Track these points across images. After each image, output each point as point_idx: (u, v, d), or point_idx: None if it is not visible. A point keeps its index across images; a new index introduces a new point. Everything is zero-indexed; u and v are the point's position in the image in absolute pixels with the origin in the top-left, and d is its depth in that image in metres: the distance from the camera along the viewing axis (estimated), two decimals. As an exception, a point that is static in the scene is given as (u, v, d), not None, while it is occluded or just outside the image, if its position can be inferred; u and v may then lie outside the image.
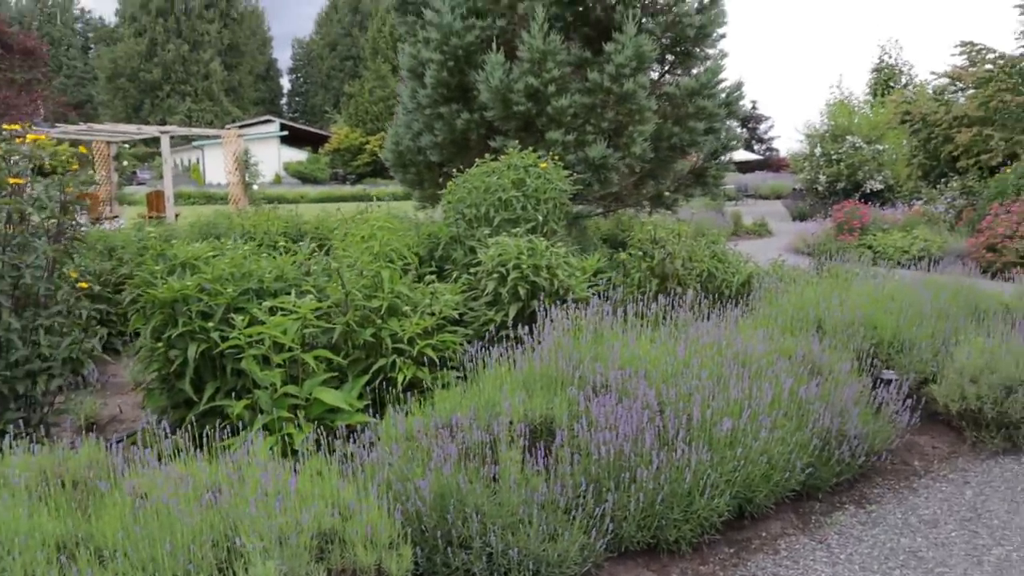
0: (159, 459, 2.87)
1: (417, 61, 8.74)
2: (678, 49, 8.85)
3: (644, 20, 8.17)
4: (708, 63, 8.71)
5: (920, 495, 3.80)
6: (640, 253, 6.02)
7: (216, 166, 42.22)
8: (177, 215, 16.51)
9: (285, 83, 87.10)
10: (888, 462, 4.11)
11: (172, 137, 17.64)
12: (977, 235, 11.98)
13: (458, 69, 8.24)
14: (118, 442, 4.34)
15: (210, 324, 3.86)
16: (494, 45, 7.91)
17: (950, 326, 5.23)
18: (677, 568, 3.12)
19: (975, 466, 4.15)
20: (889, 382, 4.40)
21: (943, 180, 17.26)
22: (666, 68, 9.24)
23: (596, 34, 8.26)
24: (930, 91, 20.20)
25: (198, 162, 50.84)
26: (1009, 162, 15.03)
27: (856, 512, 3.63)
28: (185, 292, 3.94)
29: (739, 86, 8.89)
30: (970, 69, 17.16)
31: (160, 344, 3.98)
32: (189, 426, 3.79)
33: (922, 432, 4.54)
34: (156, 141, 19.70)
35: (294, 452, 3.50)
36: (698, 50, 8.78)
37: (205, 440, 3.44)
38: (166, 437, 2.98)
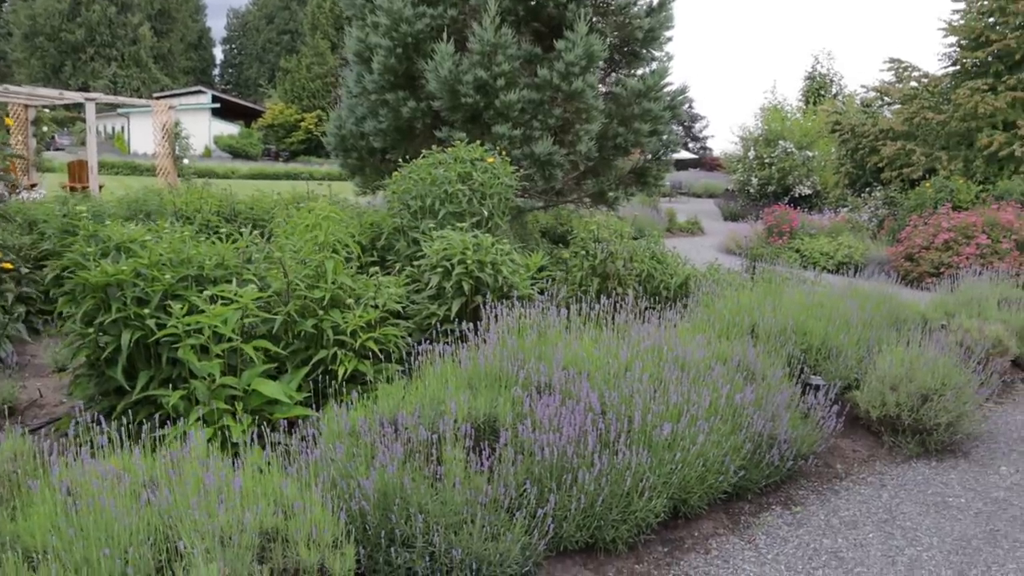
0: (91, 453, 2.78)
1: (364, 45, 8.59)
2: (626, 49, 8.97)
3: (595, 20, 8.25)
4: (655, 65, 8.85)
5: (841, 497, 4.00)
6: (583, 252, 6.10)
7: (142, 135, 40.55)
8: (101, 186, 15.78)
9: (218, 53, 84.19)
10: (813, 465, 4.30)
11: (97, 104, 16.80)
12: (897, 244, 12.58)
13: (406, 56, 8.15)
14: (38, 428, 4.18)
15: (146, 311, 3.74)
16: (444, 35, 7.85)
17: (874, 335, 5.50)
18: (613, 567, 3.20)
19: (891, 470, 4.40)
20: (818, 388, 4.61)
21: (868, 189, 18.03)
22: (612, 68, 9.34)
23: (547, 30, 8.29)
24: (858, 103, 21.08)
25: (123, 130, 48.72)
26: (928, 176, 15.82)
27: (783, 513, 3.79)
28: (120, 277, 3.79)
29: (683, 90, 9.07)
30: (896, 85, 17.97)
31: (91, 330, 3.83)
32: (121, 416, 3.67)
33: (844, 436, 4.77)
34: (78, 105, 18.77)
35: (233, 445, 3.44)
36: (646, 52, 8.92)
37: (138, 432, 3.34)
38: (96, 426, 2.88)
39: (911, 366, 4.74)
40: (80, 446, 2.79)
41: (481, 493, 2.96)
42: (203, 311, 3.63)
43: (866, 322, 5.69)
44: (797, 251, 13.80)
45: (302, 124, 49.34)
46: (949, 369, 4.73)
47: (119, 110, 47.07)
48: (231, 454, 3.27)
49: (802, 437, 4.18)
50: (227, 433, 3.49)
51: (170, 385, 3.72)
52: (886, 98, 19.03)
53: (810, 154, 23.83)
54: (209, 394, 3.60)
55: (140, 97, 51.27)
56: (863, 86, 28.18)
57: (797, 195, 23.70)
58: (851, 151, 18.37)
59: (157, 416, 3.61)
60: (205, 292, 3.78)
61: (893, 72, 17.82)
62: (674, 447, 3.52)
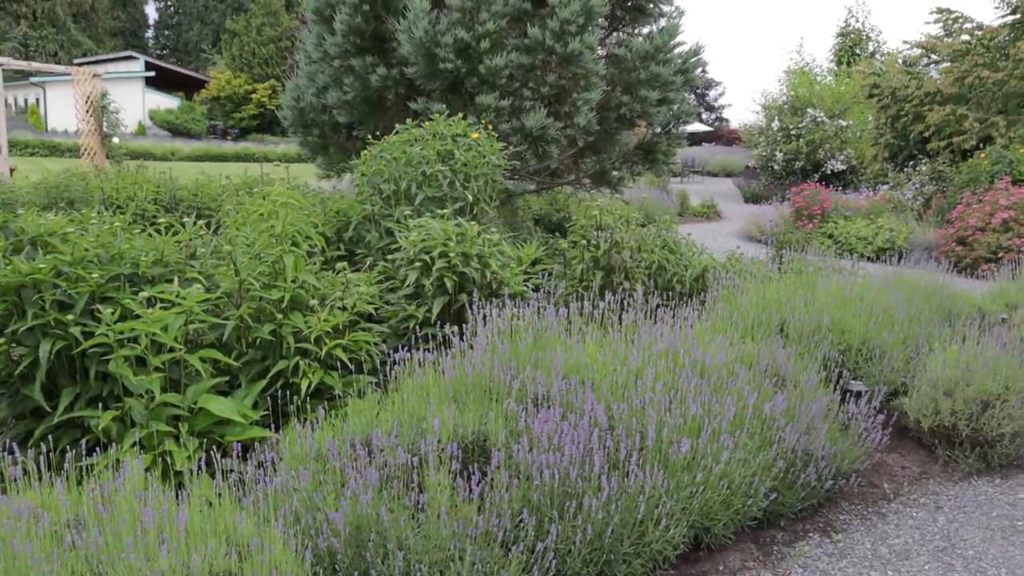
0: (2, 488, 2.74)
1: (325, 2, 8.56)
2: (630, 4, 8.97)
3: (593, -32, 8.22)
4: (663, 22, 8.85)
5: (890, 522, 4.01)
6: (583, 241, 6.09)
7: (62, 110, 40.19)
8: (12, 169, 15.63)
9: (151, 12, 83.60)
10: (856, 485, 4.31)
11: (5, 70, 16.64)
12: (947, 226, 12.66)
13: (374, 15, 8.11)
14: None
15: (69, 317, 3.69)
16: (418, -12, 7.82)
17: (923, 332, 5.52)
18: (627, 609, 3.19)
19: (948, 489, 4.41)
20: (859, 395, 4.62)
21: (911, 163, 18.12)
22: (614, 26, 9.34)
23: (538, -19, 8.27)
24: (900, 62, 21.15)
25: (38, 103, 48.31)
26: (983, 145, 15.88)
27: (822, 542, 3.80)
28: (37, 277, 3.75)
29: (697, 51, 9.08)
30: (945, 40, 18.01)
31: (2, 340, 3.78)
32: (40, 443, 3.62)
33: (891, 450, 4.78)
34: (-16, 76, 18.54)
35: (176, 474, 3.40)
36: (652, 6, 8.92)
37: (60, 461, 3.30)
38: (8, 456, 2.84)
39: (968, 367, 4.75)
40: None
41: (471, 525, 2.94)
42: (139, 316, 3.59)
43: (913, 317, 5.71)
44: (830, 236, 13.86)
45: (253, 96, 49.06)
46: (1013, 370, 4.74)
47: (33, 79, 46.61)
48: (175, 485, 3.24)
49: (842, 452, 4.19)
50: (169, 460, 3.46)
51: (100, 405, 3.68)
52: (932, 55, 19.09)
53: (844, 123, 23.93)
54: (147, 414, 3.57)
55: (58, 63, 50.78)
56: (905, 42, 28.28)
57: (829, 171, 23.80)
58: (892, 118, 18.43)
59: (84, 442, 3.57)
60: (141, 294, 3.74)
61: (941, 24, 17.85)
62: (694, 467, 3.51)
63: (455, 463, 3.17)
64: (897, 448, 4.84)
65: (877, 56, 30.79)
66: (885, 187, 18.27)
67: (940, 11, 17.79)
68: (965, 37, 17.17)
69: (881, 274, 7.01)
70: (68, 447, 3.58)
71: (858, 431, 4.34)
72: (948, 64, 17.60)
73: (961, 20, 17.48)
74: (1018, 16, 16.04)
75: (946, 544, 3.79)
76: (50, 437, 3.66)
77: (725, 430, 3.67)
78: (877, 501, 4.24)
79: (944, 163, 16.57)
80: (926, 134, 17.27)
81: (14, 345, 3.76)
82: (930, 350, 5.22)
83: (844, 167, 23.85)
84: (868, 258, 12.45)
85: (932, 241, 12.62)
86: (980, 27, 17.00)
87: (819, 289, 6.01)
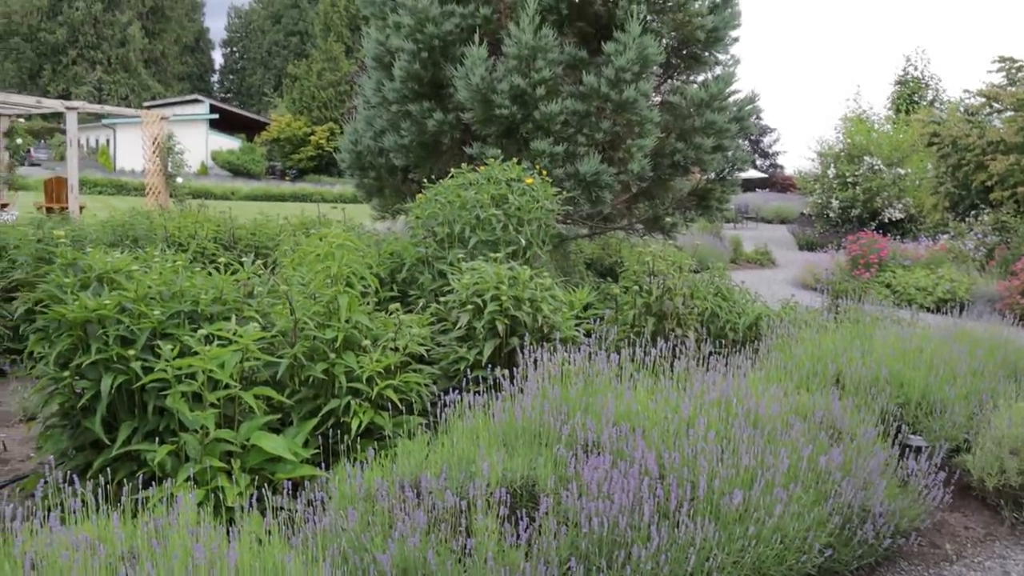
0: (62, 519, 2.79)
1: (384, 49, 8.77)
2: (685, 52, 9.01)
3: (649, 18, 8.32)
4: (718, 70, 8.88)
5: (952, 585, 3.86)
6: (635, 287, 6.07)
7: (130, 150, 41.65)
8: (82, 207, 16.22)
9: (217, 57, 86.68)
10: (916, 544, 4.16)
11: (79, 113, 17.33)
12: (1011, 278, 12.31)
13: (432, 61, 8.28)
14: (0, 488, 4.23)
15: (131, 352, 3.79)
16: (476, 37, 7.98)
17: (986, 386, 5.35)
18: (675, 665, 3.11)
19: (1015, 553, 4.23)
20: (918, 450, 4.48)
21: (973, 213, 17.74)
22: (669, 74, 9.39)
23: (594, 31, 8.38)
24: (961, 111, 20.83)
25: (108, 144, 50.16)
26: (1049, 196, 15.51)
27: (879, 603, 3.67)
28: (102, 312, 3.86)
29: (752, 99, 9.07)
30: (1008, 88, 17.73)
31: (66, 373, 3.88)
32: (98, 475, 3.70)
33: (953, 509, 4.62)
34: (57, 115, 19.29)
35: (228, 510, 3.44)
36: (708, 55, 8.95)
37: (117, 493, 3.36)
38: (69, 486, 2.89)
39: (1034, 425, 4.59)
40: (49, 510, 2.80)
41: (518, 571, 2.92)
42: (197, 353, 3.66)
43: (976, 371, 5.55)
44: (888, 286, 13.58)
45: (312, 139, 50.28)
46: (1081, 429, 4.57)
47: (104, 121, 48.50)
48: (225, 521, 3.28)
49: (901, 510, 4.06)
50: (221, 496, 3.49)
51: (156, 439, 3.75)
52: (995, 104, 18.78)
53: (902, 172, 23.58)
54: (201, 449, 3.62)
55: (128, 106, 52.77)
56: (966, 91, 27.88)
57: (886, 220, 23.42)
58: (952, 167, 18.12)
59: (140, 475, 3.63)
60: (200, 331, 3.81)
61: (1004, 73, 17.60)
62: (746, 519, 3.44)
63: (503, 508, 3.15)
64: (960, 508, 4.68)
65: (937, 104, 30.40)
66: (945, 236, 17.89)
67: (1003, 59, 17.55)
68: (1029, 86, 16.90)
69: (942, 326, 6.84)
70: (125, 480, 3.64)
71: (918, 488, 4.20)
72: (1012, 113, 17.29)
73: (1025, 68, 17.22)
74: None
75: (1012, 610, 3.63)
76: (108, 469, 3.74)
77: (779, 483, 3.59)
78: (939, 562, 4.09)
79: (1008, 213, 16.19)
80: (988, 183, 16.93)
81: (77, 378, 3.86)
82: (995, 406, 5.06)
83: (902, 216, 23.45)
84: (928, 309, 12.16)
85: (995, 293, 12.28)
86: (1044, 76, 16.72)
87: (876, 340, 5.89)
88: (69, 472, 3.73)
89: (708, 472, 3.51)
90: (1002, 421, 4.70)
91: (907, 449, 4.58)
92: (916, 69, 33.88)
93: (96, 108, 20.04)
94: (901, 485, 4.25)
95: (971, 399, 5.23)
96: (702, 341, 5.77)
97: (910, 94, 33.11)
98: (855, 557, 3.85)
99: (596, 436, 3.71)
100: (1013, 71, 17.40)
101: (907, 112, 30.40)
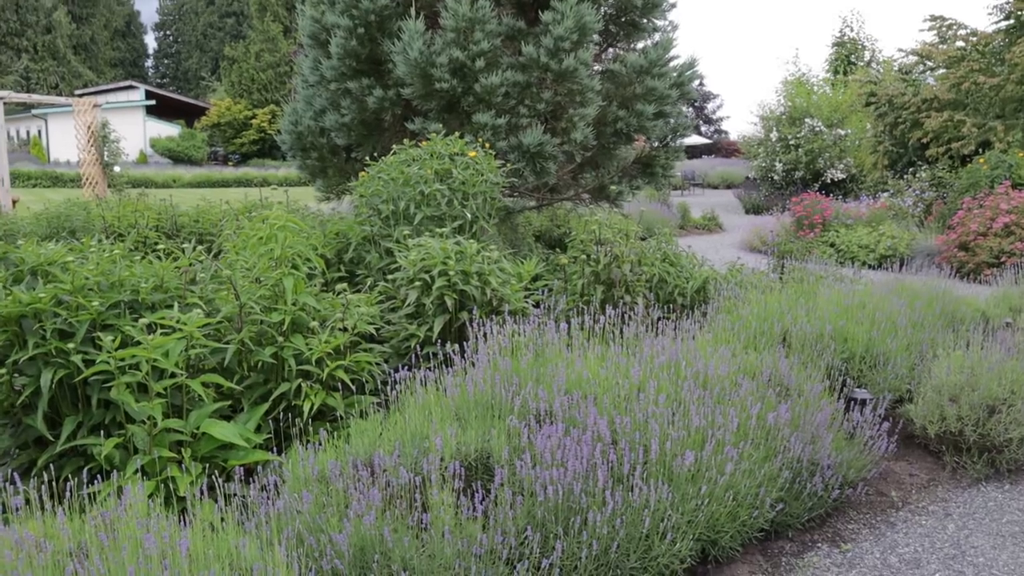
0: (5, 519, 2.73)
1: (320, 26, 8.61)
2: (623, 20, 9.01)
3: (586, -15, 8.27)
4: (657, 36, 8.90)
5: (899, 530, 3.98)
6: (583, 256, 6.10)
7: (64, 140, 40.43)
8: (15, 201, 15.74)
9: (151, 42, 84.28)
10: (863, 494, 4.28)
11: (6, 103, 16.76)
12: (948, 232, 12.64)
13: (369, 37, 8.16)
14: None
15: (70, 345, 3.70)
16: (413, 10, 7.88)
17: (926, 338, 5.50)
18: (635, 625, 3.17)
19: (956, 496, 4.38)
20: (863, 403, 4.60)
21: (911, 170, 18.12)
22: (608, 42, 9.39)
23: (532, 1, 8.32)
24: (896, 69, 21.23)
25: (40, 135, 48.59)
26: (982, 150, 15.90)
27: (830, 552, 3.77)
28: (37, 306, 3.76)
29: (692, 64, 9.11)
30: (940, 46, 18.08)
31: (3, 370, 3.79)
32: (42, 472, 3.62)
33: (898, 458, 4.75)
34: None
35: (179, 500, 3.40)
36: (646, 21, 8.97)
37: (63, 490, 3.29)
38: (10, 486, 2.83)
39: (973, 372, 4.73)
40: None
41: (475, 543, 2.93)
42: (140, 343, 3.59)
43: (916, 323, 5.70)
44: (832, 245, 13.86)
45: (253, 122, 49.31)
46: (1019, 374, 4.73)
47: (34, 111, 46.91)
48: (177, 511, 3.24)
49: (848, 461, 4.17)
50: (172, 486, 3.45)
51: (102, 432, 3.68)
52: (928, 62, 19.17)
53: (842, 132, 23.97)
54: (150, 440, 3.56)
55: (59, 95, 51.08)
56: (900, 50, 28.42)
57: (829, 180, 23.81)
58: (889, 126, 18.48)
59: (87, 470, 3.56)
60: (142, 320, 3.74)
61: (935, 31, 17.94)
62: (698, 479, 3.50)
63: (458, 481, 3.16)
64: (904, 456, 4.82)
65: (873, 65, 30.91)
66: (885, 195, 18.27)
67: (934, 18, 17.88)
68: (960, 43, 17.25)
69: (883, 281, 7.00)
70: (71, 476, 3.57)
71: (864, 439, 4.32)
72: (944, 71, 17.67)
73: (955, 27, 17.56)
74: (1012, 21, 16.10)
75: (956, 552, 3.76)
76: (53, 466, 3.67)
77: (729, 441, 3.66)
78: (885, 509, 4.21)
79: (943, 169, 16.59)
80: (924, 140, 17.31)
81: (16, 375, 3.76)
82: (934, 356, 5.20)
83: (844, 176, 23.88)
84: (870, 266, 12.43)
85: (934, 247, 12.61)
86: (975, 33, 17.08)
87: (821, 298, 6.01)
88: (11, 471, 3.64)
89: (660, 435, 3.55)
90: (941, 370, 4.84)
91: (852, 402, 4.70)
92: (852, 30, 34.31)
93: (24, 97, 19.41)
94: (848, 438, 4.37)
95: (912, 350, 5.38)
96: (651, 307, 5.83)
97: (847, 55, 33.54)
98: (806, 510, 3.95)
99: (548, 405, 3.74)
100: (944, 29, 17.74)
101: (845, 73, 30.87)
